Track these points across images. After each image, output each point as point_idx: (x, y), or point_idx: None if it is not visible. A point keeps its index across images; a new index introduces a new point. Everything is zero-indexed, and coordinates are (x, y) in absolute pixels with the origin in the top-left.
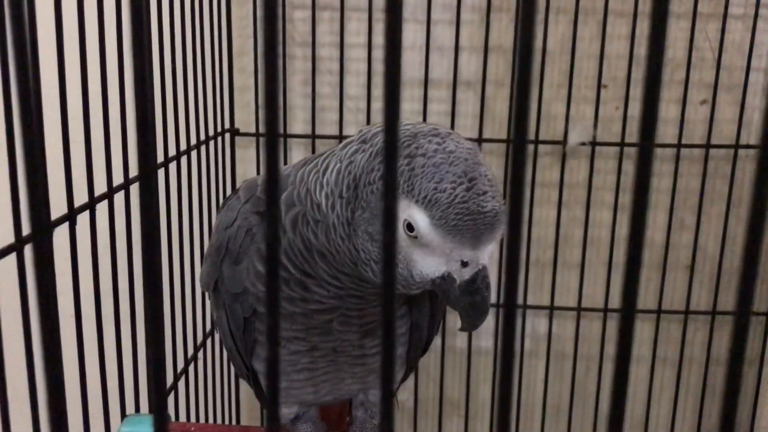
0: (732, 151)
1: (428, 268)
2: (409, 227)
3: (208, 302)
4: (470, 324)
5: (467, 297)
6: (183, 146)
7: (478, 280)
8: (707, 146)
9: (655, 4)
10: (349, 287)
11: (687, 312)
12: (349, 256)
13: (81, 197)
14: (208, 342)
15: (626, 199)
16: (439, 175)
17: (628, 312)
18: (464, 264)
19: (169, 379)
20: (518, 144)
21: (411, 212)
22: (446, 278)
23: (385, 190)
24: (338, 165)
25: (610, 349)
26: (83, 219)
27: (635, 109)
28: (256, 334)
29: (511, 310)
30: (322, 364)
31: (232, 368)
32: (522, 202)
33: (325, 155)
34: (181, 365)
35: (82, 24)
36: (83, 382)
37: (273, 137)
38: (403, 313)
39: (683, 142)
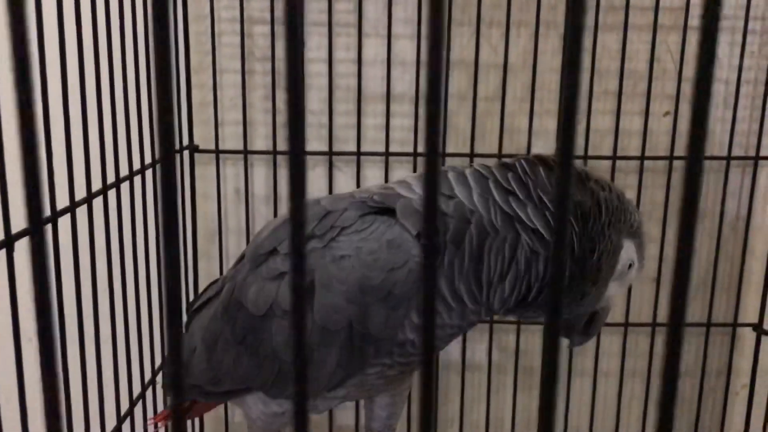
0: None
1: (607, 300)
2: (629, 266)
3: (164, 324)
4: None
5: (600, 322)
6: (138, 165)
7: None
8: (671, 158)
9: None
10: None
11: (654, 324)
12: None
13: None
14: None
15: None
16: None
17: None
18: None
19: (124, 405)
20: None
21: (634, 252)
22: (605, 308)
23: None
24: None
25: (579, 363)
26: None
27: (598, 121)
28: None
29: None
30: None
31: None
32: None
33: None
34: (137, 390)
35: (41, 36)
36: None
37: (297, 160)
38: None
39: (647, 154)
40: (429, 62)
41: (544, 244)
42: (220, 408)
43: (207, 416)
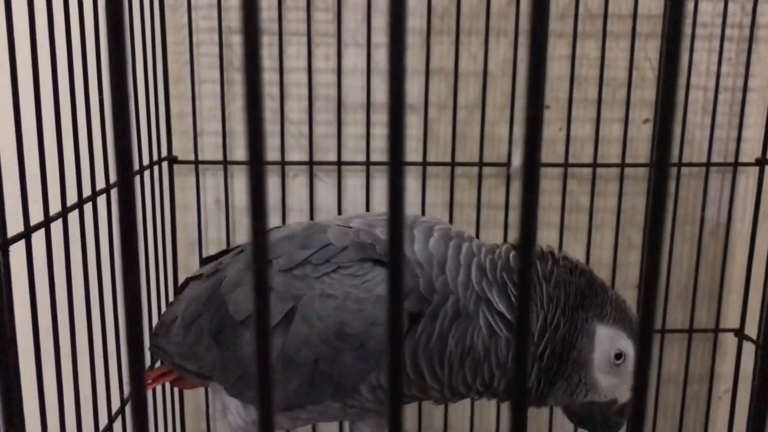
0: (675, 169)
1: (609, 392)
2: (617, 356)
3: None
4: None
5: (618, 417)
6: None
7: (628, 402)
8: (651, 165)
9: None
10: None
11: None
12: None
13: (17, 227)
14: None
15: (572, 218)
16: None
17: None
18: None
19: (103, 421)
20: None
21: (624, 343)
22: (614, 401)
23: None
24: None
25: None
26: (18, 248)
27: (578, 129)
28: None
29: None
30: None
31: (176, 405)
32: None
33: (484, 251)
34: (116, 406)
35: (14, 54)
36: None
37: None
38: None
39: (627, 161)
40: (391, 70)
41: (507, 325)
42: (202, 420)
43: (188, 426)
